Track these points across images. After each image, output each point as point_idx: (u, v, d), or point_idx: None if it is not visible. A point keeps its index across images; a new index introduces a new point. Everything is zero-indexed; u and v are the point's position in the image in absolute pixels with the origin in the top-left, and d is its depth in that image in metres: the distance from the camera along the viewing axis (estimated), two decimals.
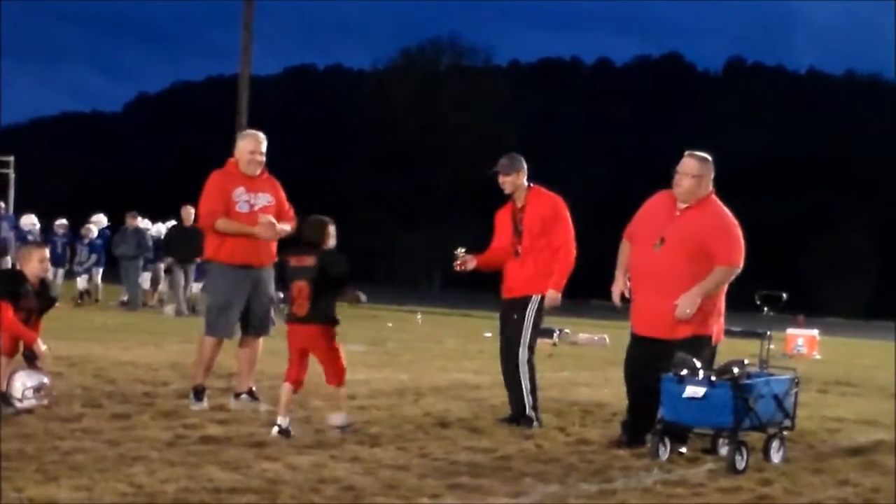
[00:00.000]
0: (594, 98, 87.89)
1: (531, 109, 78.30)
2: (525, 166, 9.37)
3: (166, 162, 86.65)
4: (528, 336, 9.16)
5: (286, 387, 8.18)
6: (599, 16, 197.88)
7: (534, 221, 9.22)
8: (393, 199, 75.61)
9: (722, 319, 8.37)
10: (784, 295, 8.79)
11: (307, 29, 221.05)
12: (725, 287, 8.27)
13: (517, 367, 9.14)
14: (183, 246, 21.93)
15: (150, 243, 24.31)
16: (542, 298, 9.16)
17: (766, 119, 76.34)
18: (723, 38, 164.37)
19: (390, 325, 23.96)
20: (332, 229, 8.31)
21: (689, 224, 8.16)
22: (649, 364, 8.13)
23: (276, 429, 7.98)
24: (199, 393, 9.16)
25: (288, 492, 6.07)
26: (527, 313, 9.15)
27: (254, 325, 9.38)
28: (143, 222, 25.00)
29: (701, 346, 8.07)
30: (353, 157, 76.48)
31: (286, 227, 9.29)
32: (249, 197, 9.19)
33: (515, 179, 9.30)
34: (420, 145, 76.28)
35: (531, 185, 9.39)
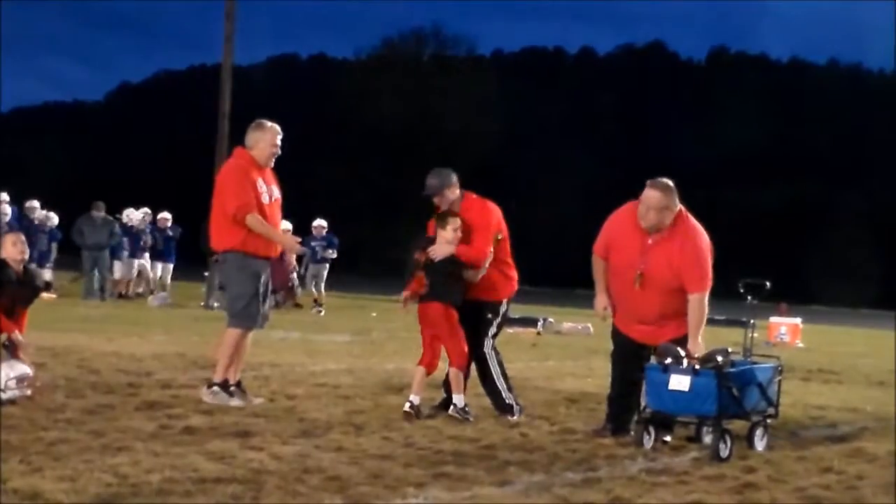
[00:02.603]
0: (578, 87, 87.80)
1: (515, 99, 78.24)
2: (454, 178, 9.16)
3: (149, 151, 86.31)
4: (492, 332, 9.22)
5: (420, 369, 8.87)
6: (582, 5, 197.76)
7: (465, 232, 9.08)
8: (377, 188, 75.50)
9: None
10: (767, 283, 8.82)
11: (290, 18, 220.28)
12: None
13: (483, 357, 9.15)
14: None
15: (121, 233, 24.21)
16: (508, 302, 9.31)
17: (751, 107, 76.43)
18: (705, 27, 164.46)
19: (374, 314, 23.96)
20: (448, 228, 8.83)
21: (663, 256, 8.14)
22: (636, 351, 8.27)
23: (408, 404, 8.72)
24: (227, 387, 9.00)
25: (273, 481, 6.07)
26: (498, 314, 9.23)
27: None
28: (135, 213, 24.91)
29: (684, 344, 8.13)
30: (338, 146, 76.37)
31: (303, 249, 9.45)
32: (267, 189, 9.19)
33: (449, 195, 9.12)
34: (404, 135, 76.17)
35: (464, 192, 9.25)
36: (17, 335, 8.68)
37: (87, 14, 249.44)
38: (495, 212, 9.21)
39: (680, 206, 8.22)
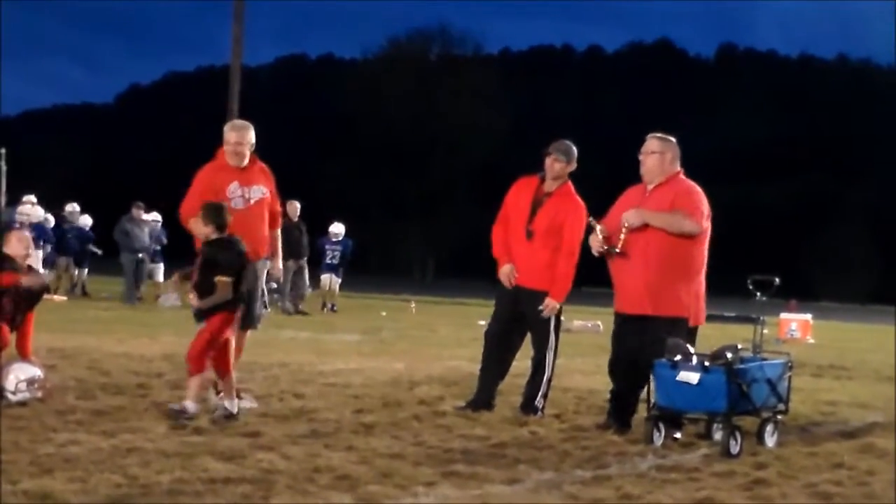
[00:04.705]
0: (586, 85, 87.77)
1: (522, 97, 78.21)
2: (576, 159, 9.28)
3: (159, 153, 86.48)
4: (556, 325, 9.29)
5: (207, 375, 8.32)
6: (590, 3, 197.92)
7: (554, 211, 9.13)
8: (385, 188, 75.58)
9: (702, 303, 8.42)
10: (776, 280, 8.80)
11: (298, 18, 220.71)
12: (703, 271, 8.41)
13: (544, 356, 9.21)
14: (299, 240, 21.99)
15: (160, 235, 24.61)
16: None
17: (759, 104, 76.32)
18: (713, 24, 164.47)
19: (384, 313, 23.97)
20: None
21: (660, 198, 8.34)
22: (634, 347, 8.26)
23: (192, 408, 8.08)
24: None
25: (283, 481, 6.07)
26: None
27: (249, 318, 9.19)
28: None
29: (679, 327, 8.15)
30: (346, 146, 76.44)
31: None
32: (243, 191, 9.00)
33: (566, 167, 9.22)
34: (411, 134, 76.21)
35: (568, 181, 9.33)
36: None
37: (94, 17, 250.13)
38: (584, 214, 9.18)
39: (680, 170, 8.48)
